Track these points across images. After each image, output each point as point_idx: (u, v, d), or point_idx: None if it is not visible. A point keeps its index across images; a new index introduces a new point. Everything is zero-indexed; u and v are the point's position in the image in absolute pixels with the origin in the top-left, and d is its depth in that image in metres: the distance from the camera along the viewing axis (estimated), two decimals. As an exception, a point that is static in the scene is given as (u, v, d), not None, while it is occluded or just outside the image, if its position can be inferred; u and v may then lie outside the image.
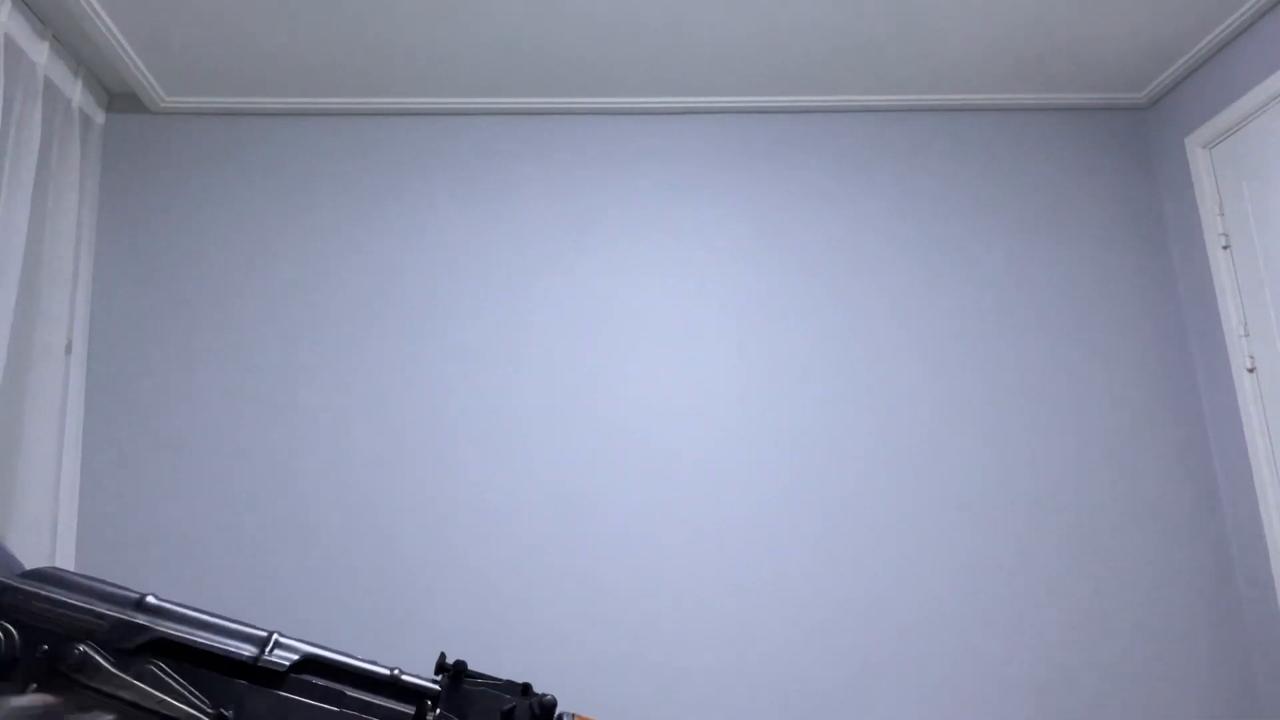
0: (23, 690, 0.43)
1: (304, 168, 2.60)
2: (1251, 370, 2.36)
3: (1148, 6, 2.29)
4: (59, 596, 0.46)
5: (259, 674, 0.48)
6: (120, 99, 2.58)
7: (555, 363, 2.49)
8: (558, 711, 0.51)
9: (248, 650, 0.48)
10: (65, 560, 2.21)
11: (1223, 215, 2.47)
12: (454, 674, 0.50)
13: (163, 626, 0.47)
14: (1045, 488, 2.45)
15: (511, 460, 2.41)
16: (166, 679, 0.46)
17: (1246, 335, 2.38)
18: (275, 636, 0.49)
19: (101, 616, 0.46)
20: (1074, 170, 2.70)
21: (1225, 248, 2.45)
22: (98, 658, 0.45)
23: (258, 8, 2.20)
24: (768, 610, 2.34)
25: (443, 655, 0.51)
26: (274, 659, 0.48)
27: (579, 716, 0.51)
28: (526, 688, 0.51)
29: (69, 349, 2.32)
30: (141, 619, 0.47)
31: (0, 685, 0.43)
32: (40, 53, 2.17)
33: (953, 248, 2.62)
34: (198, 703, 0.46)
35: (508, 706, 0.50)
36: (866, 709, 2.29)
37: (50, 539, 2.18)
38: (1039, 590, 2.39)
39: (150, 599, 0.48)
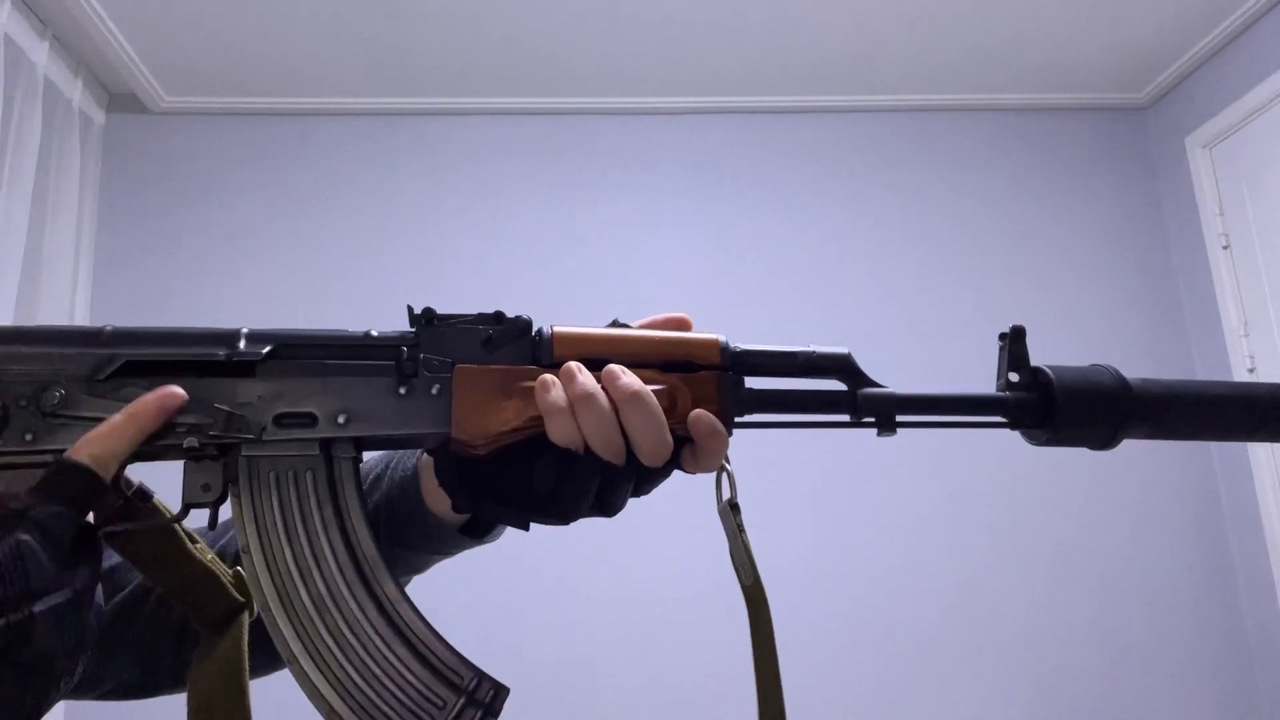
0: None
1: (304, 168, 2.60)
2: (1251, 370, 2.35)
3: (1148, 6, 2.29)
4: (20, 351, 0.47)
5: (237, 369, 0.48)
6: (120, 99, 2.57)
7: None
8: (535, 327, 0.51)
9: (220, 350, 0.48)
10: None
11: (1223, 215, 2.47)
12: (426, 320, 0.51)
13: (130, 350, 0.48)
14: (1044, 487, 2.45)
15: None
16: (151, 389, 0.47)
17: (1246, 335, 2.38)
18: (243, 330, 0.49)
19: (67, 357, 0.47)
20: (1074, 170, 2.70)
21: (1225, 248, 2.45)
22: (79, 393, 0.46)
23: (258, 8, 2.20)
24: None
25: (410, 307, 0.51)
26: (248, 351, 0.48)
27: (558, 328, 0.51)
28: (499, 315, 0.51)
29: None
30: (108, 349, 0.47)
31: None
32: (40, 53, 2.17)
33: (953, 248, 2.62)
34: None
35: (484, 336, 0.50)
36: (861, 698, 2.29)
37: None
38: (1037, 590, 2.39)
39: (108, 328, 0.48)
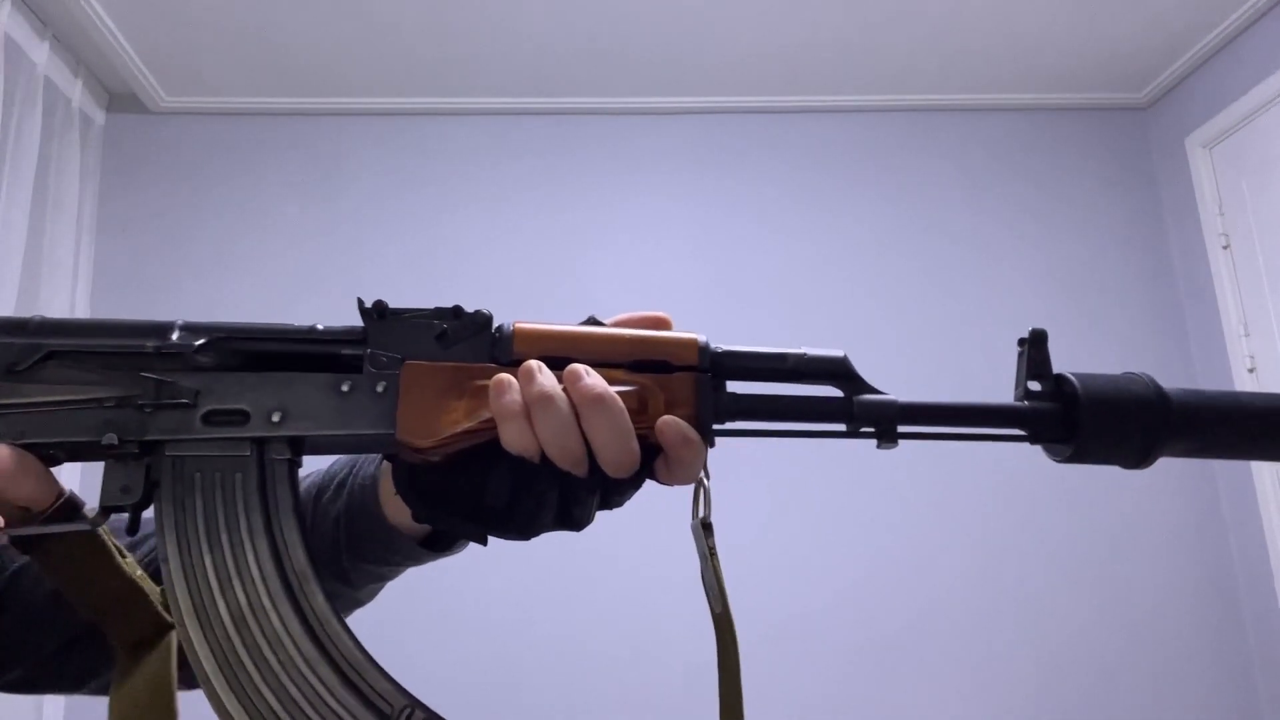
0: None
1: (304, 168, 2.60)
2: (1251, 370, 2.35)
3: (1148, 6, 2.29)
4: None
5: (167, 362, 0.45)
6: (120, 99, 2.57)
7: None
8: (496, 324, 0.47)
9: (150, 342, 0.45)
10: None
11: (1223, 215, 2.46)
12: (378, 313, 0.47)
13: (55, 340, 0.45)
14: (1045, 487, 2.45)
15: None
16: (74, 372, 0.45)
17: (1246, 335, 2.38)
18: (178, 322, 0.46)
19: None
20: (1074, 170, 2.70)
21: (1225, 248, 2.45)
22: None
23: (258, 8, 2.20)
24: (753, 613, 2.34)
25: (360, 299, 0.48)
26: (179, 343, 0.45)
27: (520, 323, 0.47)
28: (458, 310, 0.48)
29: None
30: (32, 339, 0.45)
31: None
32: (40, 53, 2.17)
33: (952, 249, 2.62)
34: (112, 388, 0.45)
35: (439, 331, 0.47)
36: (871, 694, 2.29)
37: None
38: (1038, 590, 2.39)
39: (36, 317, 0.46)
